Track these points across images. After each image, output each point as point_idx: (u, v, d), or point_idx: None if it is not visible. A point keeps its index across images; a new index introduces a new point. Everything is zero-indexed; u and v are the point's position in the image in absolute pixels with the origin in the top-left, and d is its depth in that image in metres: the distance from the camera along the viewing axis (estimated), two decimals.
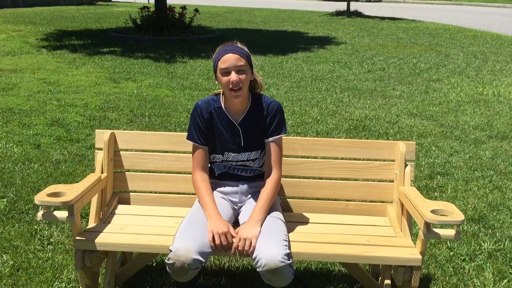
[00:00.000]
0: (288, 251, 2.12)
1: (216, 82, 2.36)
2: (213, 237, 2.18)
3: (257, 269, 2.12)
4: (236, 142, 2.41)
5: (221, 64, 2.27)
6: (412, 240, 2.38)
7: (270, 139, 2.39)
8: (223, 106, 2.40)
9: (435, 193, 3.92)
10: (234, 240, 2.21)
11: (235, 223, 2.43)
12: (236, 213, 2.47)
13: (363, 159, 2.64)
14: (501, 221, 3.51)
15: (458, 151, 4.89)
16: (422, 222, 2.14)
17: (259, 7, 23.09)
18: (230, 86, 2.26)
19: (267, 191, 2.35)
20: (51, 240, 3.11)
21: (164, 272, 2.81)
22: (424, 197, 2.33)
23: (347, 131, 5.37)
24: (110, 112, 5.87)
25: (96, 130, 2.62)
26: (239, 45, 2.33)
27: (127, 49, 10.30)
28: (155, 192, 2.69)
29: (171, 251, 2.10)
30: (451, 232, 2.16)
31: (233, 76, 2.25)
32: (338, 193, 2.65)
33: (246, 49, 2.34)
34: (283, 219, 2.37)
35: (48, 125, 5.30)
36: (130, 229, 2.40)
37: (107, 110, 5.94)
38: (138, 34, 11.94)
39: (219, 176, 2.49)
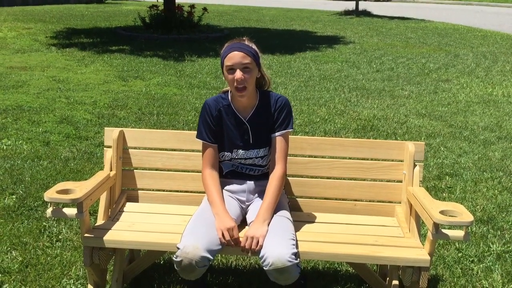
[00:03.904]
0: (295, 250, 2.12)
1: (224, 79, 2.36)
2: (222, 234, 2.19)
3: (264, 268, 2.12)
4: (245, 139, 2.41)
5: (227, 62, 2.27)
6: (420, 241, 2.38)
7: (277, 133, 2.39)
8: (231, 104, 2.41)
9: (444, 194, 3.90)
10: (241, 237, 2.22)
11: (243, 222, 2.43)
12: (243, 212, 2.48)
13: (372, 159, 2.63)
14: (510, 223, 3.49)
15: (467, 151, 4.86)
16: (431, 223, 2.13)
17: (268, 6, 23.08)
18: (235, 84, 2.27)
19: (272, 188, 2.34)
20: (60, 237, 3.13)
21: (171, 269, 2.82)
22: (432, 197, 2.32)
23: (355, 131, 5.35)
24: (118, 110, 5.89)
25: (105, 128, 2.63)
26: (247, 42, 2.32)
27: (136, 48, 10.33)
28: (163, 190, 2.70)
29: (178, 248, 2.11)
30: (460, 233, 2.15)
31: (238, 74, 2.25)
32: (346, 193, 2.64)
33: (254, 46, 2.34)
34: (290, 218, 2.36)
35: (57, 123, 5.33)
36: (138, 226, 2.41)
37: (115, 108, 5.97)
38: (147, 33, 11.98)
39: (226, 175, 2.49)
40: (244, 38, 2.36)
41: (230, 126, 2.40)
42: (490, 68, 9.14)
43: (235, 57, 2.25)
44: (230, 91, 2.42)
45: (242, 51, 2.26)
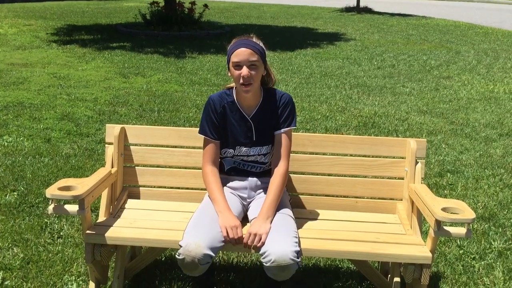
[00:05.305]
0: (298, 248, 2.13)
1: (228, 75, 2.36)
2: (227, 232, 2.19)
3: (264, 264, 2.12)
4: (248, 137, 2.41)
5: (234, 58, 2.26)
6: (422, 238, 2.37)
7: (282, 130, 2.39)
8: (235, 100, 2.40)
9: (445, 191, 3.90)
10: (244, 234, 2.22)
11: (244, 219, 2.43)
12: (245, 208, 2.47)
13: (373, 156, 2.63)
14: (511, 220, 3.49)
15: (469, 148, 4.86)
16: (433, 220, 2.12)
17: (268, 2, 23.03)
18: (241, 80, 2.26)
19: (275, 185, 2.34)
20: (61, 233, 3.13)
21: (173, 266, 2.82)
22: (434, 195, 2.32)
23: (356, 128, 5.35)
24: (119, 107, 5.89)
25: (107, 125, 2.63)
26: (254, 39, 2.32)
27: (137, 44, 10.32)
28: (165, 187, 2.70)
29: (181, 246, 2.11)
30: (461, 230, 2.15)
31: (245, 70, 2.25)
32: (347, 190, 2.64)
33: (261, 44, 2.34)
34: (292, 215, 2.36)
35: (58, 119, 5.33)
36: (140, 223, 2.41)
37: (116, 105, 5.96)
38: (148, 29, 11.96)
39: (228, 171, 2.49)
40: (251, 35, 2.35)
41: (234, 123, 2.40)
42: (491, 65, 9.12)
43: (243, 53, 2.25)
44: (235, 88, 2.41)
45: (250, 48, 2.26)
